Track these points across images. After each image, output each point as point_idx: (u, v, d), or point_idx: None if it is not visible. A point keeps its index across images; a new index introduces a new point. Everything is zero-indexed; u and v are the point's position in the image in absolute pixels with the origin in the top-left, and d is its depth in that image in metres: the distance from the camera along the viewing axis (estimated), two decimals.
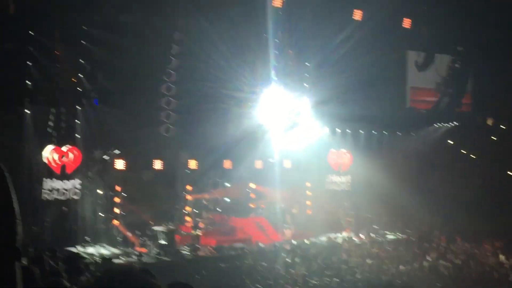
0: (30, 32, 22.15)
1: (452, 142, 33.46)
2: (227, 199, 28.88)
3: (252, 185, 29.61)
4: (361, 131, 31.98)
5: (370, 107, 29.51)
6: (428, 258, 24.55)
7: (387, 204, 29.48)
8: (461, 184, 31.08)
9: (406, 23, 29.18)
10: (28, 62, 22.46)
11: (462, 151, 33.40)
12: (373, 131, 32.30)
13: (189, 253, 23.53)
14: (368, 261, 23.27)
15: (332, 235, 27.83)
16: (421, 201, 29.34)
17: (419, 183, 30.49)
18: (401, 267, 22.49)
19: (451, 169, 31.78)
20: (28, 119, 23.04)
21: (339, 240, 27.35)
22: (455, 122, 33.23)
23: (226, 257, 23.54)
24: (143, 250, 23.53)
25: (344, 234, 27.87)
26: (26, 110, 22.92)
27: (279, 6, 26.43)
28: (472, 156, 33.45)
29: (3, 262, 1.20)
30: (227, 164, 28.61)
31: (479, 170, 31.70)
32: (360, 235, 28.41)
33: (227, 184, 28.99)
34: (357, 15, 27.93)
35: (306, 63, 28.40)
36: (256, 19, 26.33)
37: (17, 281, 1.24)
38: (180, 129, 28.22)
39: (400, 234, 28.89)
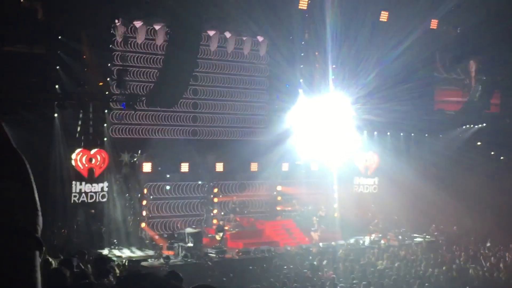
0: (58, 36, 22.41)
1: (480, 144, 33.12)
2: (254, 202, 28.90)
3: (279, 188, 29.60)
4: (388, 133, 31.80)
5: (398, 108, 29.36)
6: (457, 261, 24.29)
7: (415, 206, 29.26)
8: (490, 186, 30.75)
9: (434, 24, 28.97)
10: (57, 67, 22.72)
11: (491, 152, 33.06)
12: (400, 133, 32.11)
13: (216, 256, 23.57)
14: (396, 264, 23.10)
15: (360, 238, 27.69)
16: (449, 203, 29.08)
17: (448, 185, 30.21)
18: (430, 270, 22.28)
19: (480, 171, 31.44)
20: (57, 123, 23.29)
21: (367, 243, 27.20)
22: (483, 123, 32.87)
23: (253, 259, 23.53)
24: (171, 252, 23.63)
25: (372, 236, 27.69)
26: (55, 114, 23.18)
27: (304, 8, 26.41)
28: (501, 157, 33.08)
29: (23, 249, 1.23)
30: (253, 166, 28.64)
31: (509, 172, 31.34)
32: (388, 237, 28.22)
33: (254, 187, 29.02)
34: (384, 16, 27.80)
35: (333, 65, 28.32)
36: (282, 22, 26.34)
37: (36, 269, 1.26)
38: (207, 131, 28.37)
39: (428, 237, 28.64)
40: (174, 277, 6.39)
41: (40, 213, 1.29)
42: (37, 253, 1.27)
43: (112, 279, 9.59)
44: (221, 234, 25.11)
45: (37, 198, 1.29)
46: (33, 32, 21.58)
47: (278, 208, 29.51)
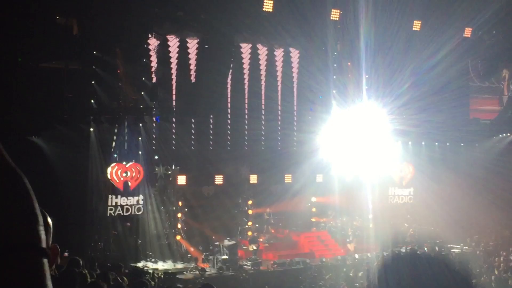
0: (93, 52, 22.72)
1: None
2: (289, 213, 28.82)
3: (313, 199, 29.49)
4: (423, 142, 31.50)
5: (432, 118, 29.11)
6: (496, 271, 23.91)
7: (451, 217, 28.89)
8: None
9: (468, 32, 28.71)
10: (92, 82, 23.02)
11: None
12: (435, 143, 31.78)
13: (251, 268, 23.55)
14: None
15: (395, 249, 27.41)
16: (486, 213, 28.66)
17: (484, 195, 29.78)
18: None
19: None
20: (93, 137, 23.58)
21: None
22: None
23: (288, 271, 23.46)
24: (206, 265, 23.67)
25: (408, 247, 27.38)
26: (90, 129, 23.47)
27: (336, 19, 26.38)
28: None
29: (30, 261, 1.27)
30: (288, 178, 28.59)
31: None
32: (424, 248, 27.88)
33: (288, 198, 28.95)
34: (417, 25, 27.64)
35: (366, 75, 28.21)
36: (314, 34, 26.37)
37: (47, 278, 1.30)
38: (241, 144, 28.44)
39: (465, 247, 28.25)
40: None
41: (41, 225, 1.32)
42: (45, 261, 1.30)
43: None
44: (254, 245, 25.11)
45: (38, 212, 1.32)
46: (69, 48, 21.91)
47: (313, 220, 29.38)
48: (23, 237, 1.25)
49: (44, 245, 1.29)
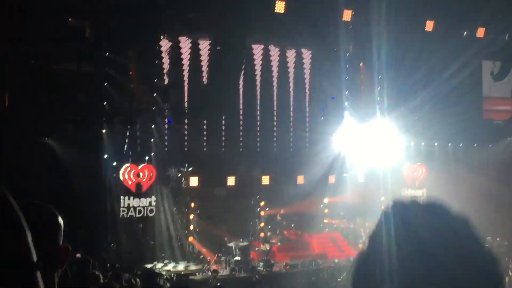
0: (106, 54, 22.80)
1: None
2: (301, 214, 28.78)
3: (325, 200, 29.42)
4: (436, 143, 31.35)
5: (445, 119, 28.95)
6: (510, 273, 23.76)
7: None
8: None
9: (480, 32, 28.56)
10: (104, 83, 23.10)
11: None
12: (448, 144, 31.63)
13: (263, 269, 23.52)
14: None
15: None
16: (500, 215, 28.48)
17: (498, 196, 29.61)
18: None
19: None
20: (105, 139, 23.65)
21: None
22: None
23: (300, 273, 23.42)
24: (218, 267, 23.67)
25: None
26: (103, 130, 23.55)
27: (348, 20, 26.32)
28: None
29: (18, 277, 1.28)
30: (300, 179, 28.53)
31: None
32: None
33: (301, 199, 28.89)
34: (429, 26, 27.52)
35: (379, 76, 28.11)
36: (326, 35, 26.32)
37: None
38: (253, 145, 28.44)
39: None
40: None
41: (29, 239, 1.32)
42: (38, 274, 1.31)
43: None
44: (267, 245, 25.11)
45: (24, 226, 1.32)
46: (81, 50, 22.02)
47: (325, 221, 29.31)
48: (13, 255, 1.25)
49: (35, 258, 1.28)
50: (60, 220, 2.01)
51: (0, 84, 20.91)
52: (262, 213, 27.59)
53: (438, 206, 1.46)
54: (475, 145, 32.09)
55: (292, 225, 28.03)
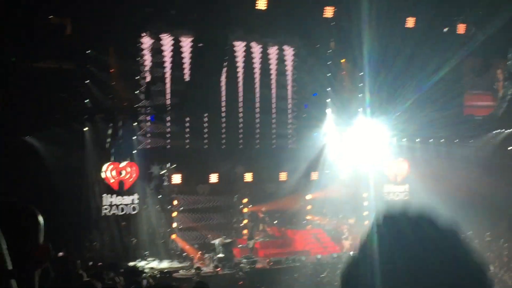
0: (87, 51, 22.68)
1: None
2: (284, 211, 28.82)
3: (308, 197, 29.47)
4: (417, 139, 31.51)
5: (427, 115, 29.10)
6: (491, 268, 23.97)
7: (446, 213, 28.87)
8: None
9: (461, 28, 28.73)
10: (86, 81, 22.97)
11: None
12: (430, 140, 31.79)
13: (247, 266, 23.55)
14: None
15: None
16: (481, 210, 28.69)
17: (479, 191, 29.81)
18: None
19: None
20: (87, 137, 23.53)
21: None
22: None
23: (284, 269, 23.48)
24: (202, 264, 23.67)
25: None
26: (85, 128, 23.42)
27: (330, 16, 26.36)
28: None
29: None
30: (283, 176, 28.57)
31: None
32: None
33: (283, 196, 28.94)
34: (410, 22, 27.63)
35: (360, 73, 28.18)
36: (308, 31, 26.36)
37: None
38: (236, 142, 28.42)
39: None
40: None
41: (4, 247, 1.32)
42: (12, 281, 1.31)
43: None
44: (251, 242, 25.15)
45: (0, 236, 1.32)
46: (62, 47, 21.86)
47: (308, 217, 29.36)
48: None
49: (10, 266, 1.28)
50: (41, 219, 2.00)
51: None
52: (245, 210, 27.61)
53: (427, 219, 1.49)
54: (456, 140, 32.28)
55: (275, 222, 28.07)
